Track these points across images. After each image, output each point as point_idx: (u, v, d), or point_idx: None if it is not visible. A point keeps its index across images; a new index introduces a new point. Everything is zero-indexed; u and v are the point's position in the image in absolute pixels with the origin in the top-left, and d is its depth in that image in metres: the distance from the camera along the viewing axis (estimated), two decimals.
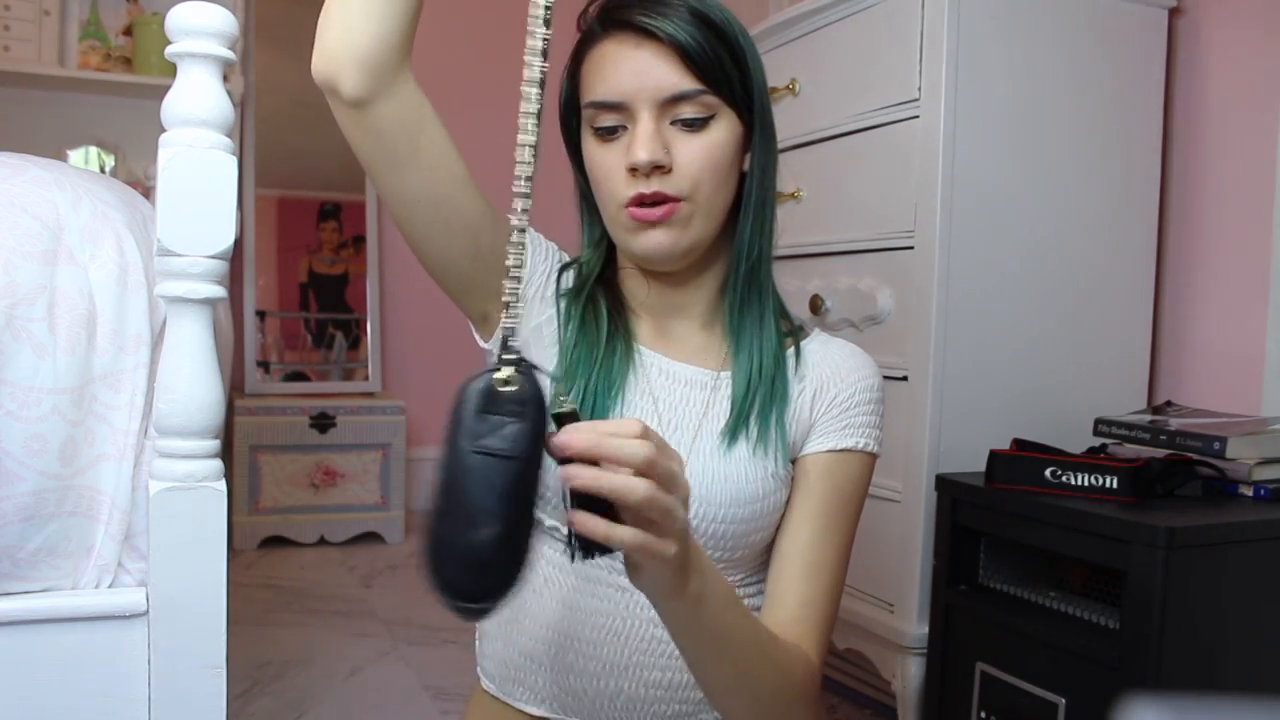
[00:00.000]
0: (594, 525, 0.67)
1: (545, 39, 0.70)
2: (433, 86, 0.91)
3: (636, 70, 0.88)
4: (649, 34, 0.88)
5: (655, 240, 0.90)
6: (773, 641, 0.86)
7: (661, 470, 0.68)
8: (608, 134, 0.91)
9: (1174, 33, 1.84)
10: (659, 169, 0.88)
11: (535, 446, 0.68)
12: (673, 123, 0.89)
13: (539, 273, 0.98)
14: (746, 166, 0.95)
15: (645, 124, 0.88)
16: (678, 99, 0.88)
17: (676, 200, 0.89)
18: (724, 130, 0.91)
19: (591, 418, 0.91)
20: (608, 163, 0.91)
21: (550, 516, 0.93)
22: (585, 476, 0.66)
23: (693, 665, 0.82)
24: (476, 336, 1.01)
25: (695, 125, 0.89)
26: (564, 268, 1.00)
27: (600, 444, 0.66)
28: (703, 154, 0.89)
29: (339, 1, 0.82)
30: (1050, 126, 1.71)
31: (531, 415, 0.68)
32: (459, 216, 0.89)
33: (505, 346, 0.71)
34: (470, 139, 0.91)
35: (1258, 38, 1.75)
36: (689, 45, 0.87)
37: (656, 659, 0.93)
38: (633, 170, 0.89)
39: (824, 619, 0.94)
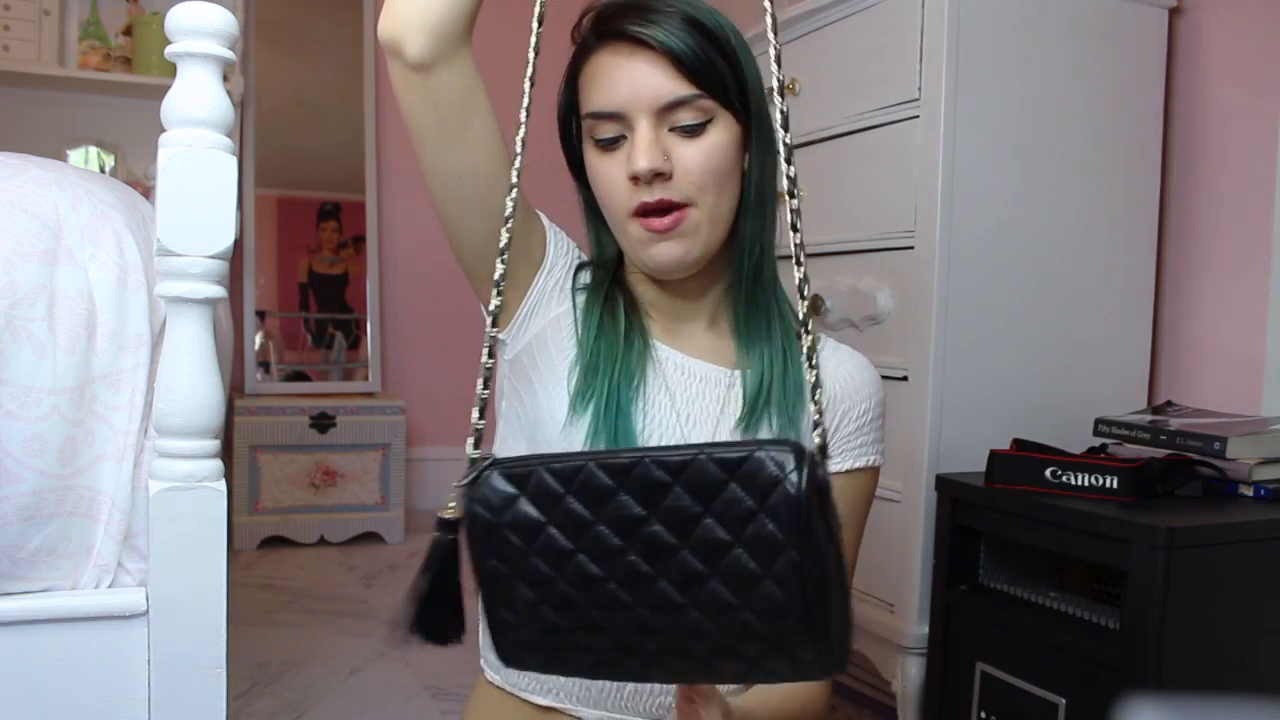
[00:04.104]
0: None
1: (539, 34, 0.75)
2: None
3: (632, 79, 0.89)
4: (642, 42, 0.88)
5: (666, 252, 0.91)
6: (787, 706, 0.92)
7: None
8: (608, 145, 0.91)
9: (1174, 33, 1.84)
10: (660, 176, 0.88)
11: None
12: (671, 129, 0.89)
13: (559, 266, 0.99)
14: (746, 166, 0.95)
15: (644, 132, 0.88)
16: (674, 105, 0.88)
17: (683, 206, 0.89)
18: (722, 133, 0.91)
19: (614, 414, 0.92)
20: (610, 173, 0.91)
21: None
22: None
23: None
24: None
25: (693, 130, 0.89)
26: (580, 266, 1.01)
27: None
28: (702, 158, 0.89)
29: None
30: (1050, 126, 1.71)
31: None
32: (497, 197, 0.90)
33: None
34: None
35: (1258, 38, 1.75)
36: (682, 51, 0.88)
37: None
38: (634, 179, 0.89)
39: None
